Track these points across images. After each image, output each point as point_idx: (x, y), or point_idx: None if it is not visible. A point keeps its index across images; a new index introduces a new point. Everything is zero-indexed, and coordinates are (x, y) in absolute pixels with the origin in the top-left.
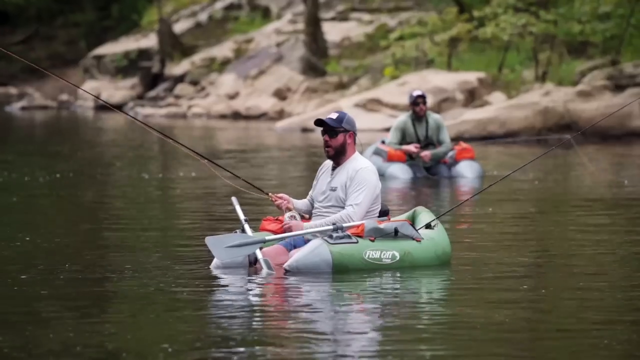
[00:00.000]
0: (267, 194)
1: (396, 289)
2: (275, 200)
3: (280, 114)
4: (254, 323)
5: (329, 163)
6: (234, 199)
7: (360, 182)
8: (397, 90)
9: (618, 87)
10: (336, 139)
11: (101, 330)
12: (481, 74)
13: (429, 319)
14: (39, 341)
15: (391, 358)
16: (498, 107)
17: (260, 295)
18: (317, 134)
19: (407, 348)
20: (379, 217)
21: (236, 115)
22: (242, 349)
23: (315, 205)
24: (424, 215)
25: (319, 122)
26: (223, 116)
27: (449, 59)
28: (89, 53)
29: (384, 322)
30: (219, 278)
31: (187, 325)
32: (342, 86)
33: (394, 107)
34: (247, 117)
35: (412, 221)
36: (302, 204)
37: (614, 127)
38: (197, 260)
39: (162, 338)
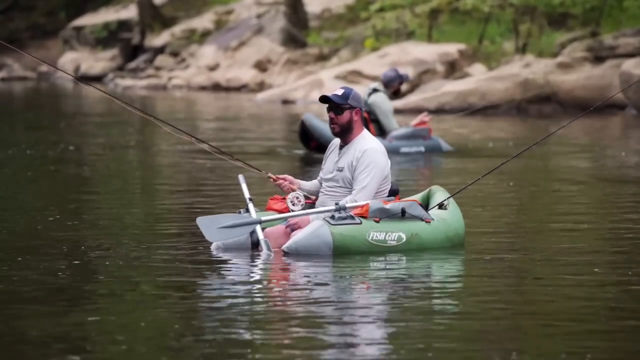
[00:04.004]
0: (267, 174)
1: (401, 271)
2: (276, 181)
3: (261, 86)
4: (244, 308)
5: (337, 142)
6: (240, 177)
7: (367, 163)
8: (378, 62)
9: (598, 58)
10: (342, 116)
11: (85, 319)
12: (461, 46)
13: (435, 303)
14: (15, 331)
15: (396, 344)
16: (478, 79)
17: (254, 279)
18: (298, 106)
19: (413, 334)
20: (388, 196)
21: (216, 87)
22: (234, 336)
23: (323, 185)
24: (440, 195)
25: (324, 99)
26: (203, 88)
27: (429, 30)
28: (69, 24)
29: (384, 306)
30: (213, 260)
31: (176, 309)
32: (322, 58)
33: (375, 78)
34: (228, 89)
35: (427, 201)
36: (311, 184)
37: (594, 99)
38: (189, 241)
39: (150, 325)
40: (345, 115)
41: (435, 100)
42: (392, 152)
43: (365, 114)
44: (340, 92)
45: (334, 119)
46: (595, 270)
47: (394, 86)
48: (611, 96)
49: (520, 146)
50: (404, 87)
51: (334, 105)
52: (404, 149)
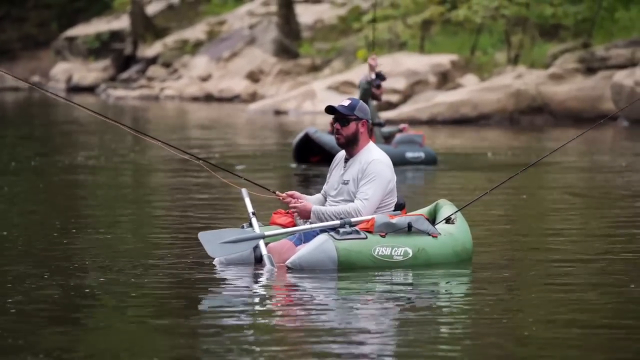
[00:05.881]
0: (274, 192)
1: (407, 287)
2: (285, 199)
3: (253, 96)
4: (247, 325)
5: (341, 155)
6: (243, 191)
7: (372, 174)
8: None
9: (589, 69)
10: (348, 127)
11: (84, 336)
12: (454, 57)
13: (442, 320)
14: (14, 348)
15: None
16: (470, 90)
17: (257, 295)
18: (290, 117)
19: (419, 352)
20: (394, 210)
21: (209, 98)
22: (237, 353)
23: (328, 200)
24: (447, 209)
25: (330, 110)
26: (195, 98)
27: (421, 41)
28: (61, 35)
29: (390, 323)
30: (216, 275)
31: (177, 326)
32: (315, 68)
33: None
34: (220, 100)
35: (434, 215)
36: (315, 199)
37: (586, 110)
38: (191, 256)
39: (151, 341)
40: (351, 126)
41: (427, 111)
42: (397, 158)
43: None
44: (346, 102)
45: (339, 130)
46: (608, 286)
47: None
48: (615, 112)
49: (519, 157)
50: (396, 97)
51: (340, 116)
52: (408, 154)
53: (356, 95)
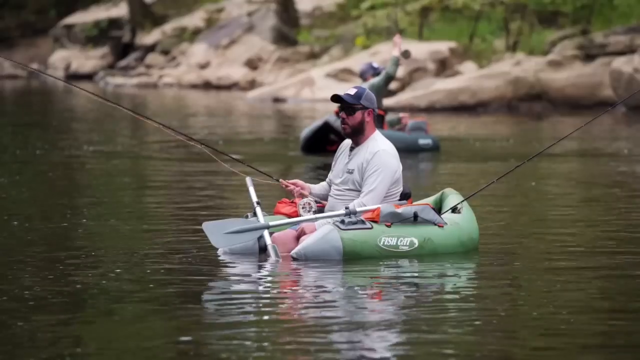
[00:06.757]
0: (278, 180)
1: (413, 278)
2: (287, 187)
3: (252, 84)
4: (251, 316)
5: (347, 143)
6: (248, 180)
7: (377, 165)
8: (369, 60)
9: (588, 56)
10: (354, 116)
11: (85, 329)
12: (452, 44)
13: (448, 311)
14: (6, 348)
15: (407, 352)
16: (469, 77)
17: (262, 286)
18: (288, 104)
19: (425, 343)
20: (399, 200)
21: (207, 85)
22: (241, 345)
23: (332, 187)
24: (453, 198)
25: (335, 98)
26: (194, 86)
27: (420, 28)
28: (59, 22)
29: (395, 313)
30: (220, 266)
31: (180, 317)
32: (313, 56)
33: None
34: (218, 87)
35: (440, 204)
36: (319, 187)
37: (585, 97)
38: (194, 247)
39: (154, 333)
40: (357, 115)
41: (425, 99)
42: (411, 144)
43: (380, 112)
44: (352, 91)
45: (345, 119)
46: (616, 274)
47: (367, 78)
48: (618, 102)
49: (521, 145)
50: (395, 85)
51: (346, 105)
52: (421, 141)
53: (361, 83)
